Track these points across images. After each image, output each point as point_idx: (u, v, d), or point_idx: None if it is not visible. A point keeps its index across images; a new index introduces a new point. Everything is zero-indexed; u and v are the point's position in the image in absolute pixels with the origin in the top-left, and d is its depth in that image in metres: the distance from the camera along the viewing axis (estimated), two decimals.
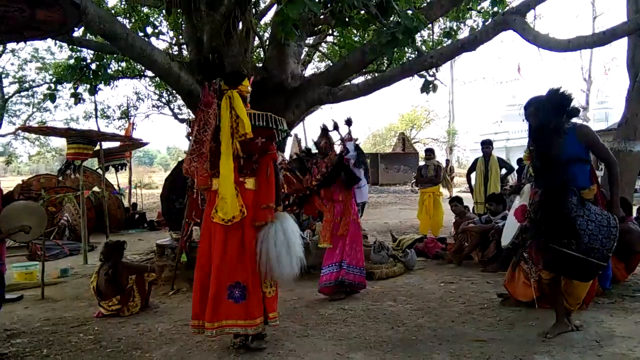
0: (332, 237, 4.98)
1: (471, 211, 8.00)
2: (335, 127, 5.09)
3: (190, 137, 3.36)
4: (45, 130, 11.36)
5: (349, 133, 5.07)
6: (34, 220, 3.10)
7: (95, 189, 8.56)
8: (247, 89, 3.49)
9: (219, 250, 3.30)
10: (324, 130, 5.11)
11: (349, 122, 5.08)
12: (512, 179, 8.99)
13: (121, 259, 4.83)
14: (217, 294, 3.26)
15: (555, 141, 3.29)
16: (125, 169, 12.07)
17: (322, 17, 7.34)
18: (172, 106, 17.80)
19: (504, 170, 8.38)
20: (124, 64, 11.06)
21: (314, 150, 5.50)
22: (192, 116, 4.07)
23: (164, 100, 17.62)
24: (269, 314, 3.45)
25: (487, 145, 8.36)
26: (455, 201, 7.51)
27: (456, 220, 7.49)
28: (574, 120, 3.53)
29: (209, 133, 3.23)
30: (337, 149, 5.11)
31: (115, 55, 9.15)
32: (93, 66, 7.68)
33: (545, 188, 3.29)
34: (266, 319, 3.43)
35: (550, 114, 3.36)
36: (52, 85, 9.33)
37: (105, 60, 8.29)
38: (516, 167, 9.33)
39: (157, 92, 16.67)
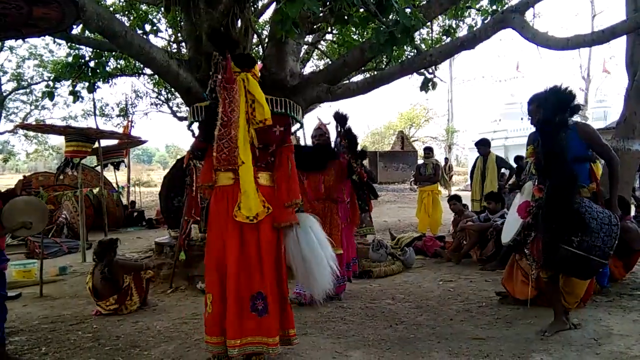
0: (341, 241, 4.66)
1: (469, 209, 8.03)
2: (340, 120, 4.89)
3: (216, 121, 2.91)
4: (43, 128, 11.33)
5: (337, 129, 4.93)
6: (36, 216, 3.09)
7: (96, 190, 8.55)
8: (258, 73, 3.16)
9: (236, 254, 2.90)
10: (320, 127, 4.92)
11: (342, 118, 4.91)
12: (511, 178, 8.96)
13: (114, 257, 4.75)
14: (240, 307, 2.88)
15: (560, 138, 3.30)
16: (122, 166, 12.05)
17: (321, 15, 7.33)
18: (170, 104, 17.76)
19: (503, 170, 8.36)
20: (122, 62, 11.04)
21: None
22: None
23: (162, 98, 17.58)
24: (289, 331, 3.11)
25: (480, 145, 8.37)
26: (454, 199, 7.53)
27: (455, 218, 7.50)
28: (575, 118, 3.54)
29: (237, 112, 2.86)
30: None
31: (114, 53, 9.13)
32: (92, 64, 7.66)
33: (552, 184, 3.29)
34: (287, 336, 3.09)
35: (553, 110, 3.37)
36: (51, 83, 9.30)
37: (103, 58, 8.26)
38: (514, 165, 9.34)
39: (156, 89, 16.63)
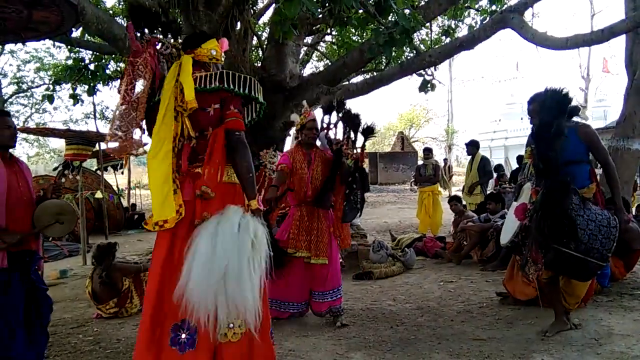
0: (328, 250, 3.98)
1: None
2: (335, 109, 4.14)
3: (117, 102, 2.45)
4: (43, 131, 11.36)
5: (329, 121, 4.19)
6: (66, 217, 3.18)
7: (98, 194, 8.56)
8: (210, 52, 2.55)
9: (158, 269, 2.34)
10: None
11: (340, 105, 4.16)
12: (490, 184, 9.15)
13: (113, 261, 4.72)
14: (157, 337, 2.28)
15: (556, 141, 3.30)
16: (122, 169, 12.06)
17: (320, 16, 7.34)
18: None
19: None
20: (122, 65, 11.03)
21: None
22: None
23: None
24: None
25: (467, 146, 8.79)
26: (455, 200, 7.54)
27: (455, 219, 7.50)
28: (575, 119, 3.53)
29: (144, 91, 2.39)
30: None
31: (113, 56, 9.15)
32: (92, 67, 7.68)
33: (547, 187, 3.29)
34: None
35: (551, 113, 3.36)
36: (51, 86, 9.32)
37: (103, 61, 8.29)
38: (515, 165, 9.46)
39: None
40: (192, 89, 2.30)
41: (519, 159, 9.99)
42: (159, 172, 2.34)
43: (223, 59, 2.67)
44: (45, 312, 3.13)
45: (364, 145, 4.17)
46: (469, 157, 8.79)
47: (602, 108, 27.52)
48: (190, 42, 2.56)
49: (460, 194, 8.95)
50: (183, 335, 2.24)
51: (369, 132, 4.12)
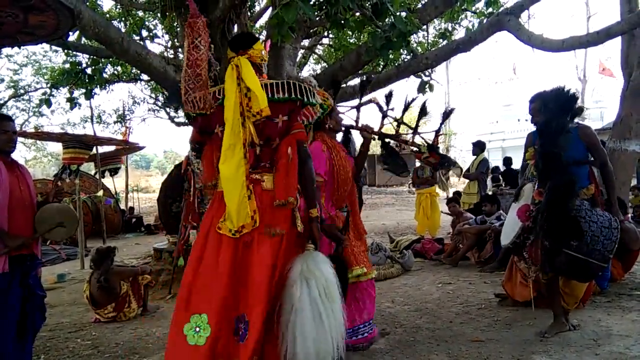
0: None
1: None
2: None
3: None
4: (40, 135, 11.32)
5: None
6: (68, 221, 3.18)
7: (100, 192, 8.55)
8: (261, 54, 2.57)
9: (227, 270, 2.36)
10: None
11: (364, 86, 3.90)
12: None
13: (111, 265, 4.71)
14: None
15: (561, 140, 3.30)
16: (118, 173, 12.07)
17: (317, 19, 7.35)
18: (168, 110, 17.76)
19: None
20: (119, 68, 11.04)
21: None
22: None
23: (160, 103, 17.58)
24: None
25: (473, 146, 9.00)
26: (453, 202, 7.58)
27: (453, 220, 7.52)
28: (576, 120, 3.54)
29: (206, 52, 2.43)
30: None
31: (110, 59, 9.15)
32: (88, 70, 7.67)
33: (552, 188, 3.29)
34: None
35: (555, 113, 3.37)
36: (48, 90, 9.31)
37: (100, 65, 8.28)
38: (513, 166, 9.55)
39: (153, 95, 16.62)
40: (264, 96, 2.34)
41: (506, 160, 10.22)
42: (234, 178, 2.35)
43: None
44: (38, 319, 3.12)
45: (439, 129, 3.83)
46: (474, 157, 9.00)
47: (598, 109, 27.64)
48: (242, 43, 2.56)
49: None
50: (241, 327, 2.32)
51: (422, 113, 3.89)
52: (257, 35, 2.70)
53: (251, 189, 2.39)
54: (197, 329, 2.30)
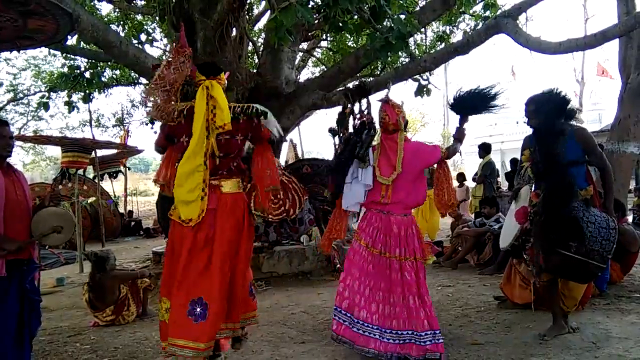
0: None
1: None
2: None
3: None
4: (39, 139, 11.34)
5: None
6: (64, 225, 3.17)
7: (92, 199, 8.54)
8: (224, 83, 3.06)
9: (186, 253, 2.85)
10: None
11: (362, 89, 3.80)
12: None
13: (105, 270, 4.62)
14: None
15: (557, 143, 3.31)
16: (118, 176, 12.06)
17: (315, 22, 7.37)
18: None
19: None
20: (118, 72, 11.04)
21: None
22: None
23: None
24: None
25: (479, 149, 9.08)
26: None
27: (453, 222, 7.54)
28: (572, 122, 3.55)
29: (181, 76, 2.85)
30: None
31: (109, 63, 9.15)
32: (87, 74, 7.68)
33: (550, 190, 3.30)
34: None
35: (550, 115, 3.38)
36: (46, 94, 9.31)
37: (99, 68, 8.29)
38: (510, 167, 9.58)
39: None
40: (228, 113, 2.80)
41: (513, 162, 10.11)
42: (190, 180, 2.81)
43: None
44: (34, 324, 3.12)
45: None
46: (480, 160, 9.08)
47: (596, 111, 27.66)
48: (212, 70, 3.00)
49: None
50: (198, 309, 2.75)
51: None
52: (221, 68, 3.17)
53: (206, 192, 2.83)
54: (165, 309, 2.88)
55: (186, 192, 2.81)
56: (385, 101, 3.48)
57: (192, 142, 2.78)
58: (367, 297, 3.23)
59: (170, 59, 2.92)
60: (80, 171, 8.92)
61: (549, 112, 3.39)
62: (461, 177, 9.98)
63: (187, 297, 2.77)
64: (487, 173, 8.77)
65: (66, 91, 8.09)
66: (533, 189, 3.60)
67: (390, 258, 3.28)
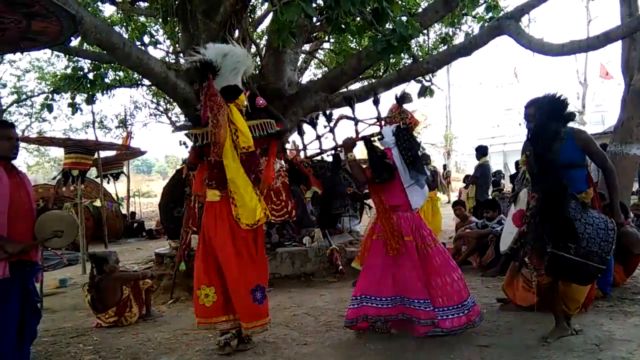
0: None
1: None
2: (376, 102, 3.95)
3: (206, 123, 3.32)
4: (43, 141, 11.36)
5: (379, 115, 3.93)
6: (66, 228, 3.18)
7: (97, 202, 8.56)
8: (244, 102, 3.53)
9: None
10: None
11: (376, 102, 3.96)
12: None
13: (104, 271, 4.67)
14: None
15: (553, 146, 3.31)
16: (120, 178, 12.07)
17: (318, 24, 7.38)
18: (169, 114, 17.82)
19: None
20: (121, 73, 11.09)
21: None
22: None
23: (161, 108, 17.65)
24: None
25: (475, 151, 9.28)
26: (459, 205, 7.64)
27: (457, 224, 7.55)
28: (571, 124, 3.55)
29: (224, 117, 3.26)
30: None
31: (112, 65, 9.18)
32: (90, 76, 7.69)
33: (544, 192, 3.30)
34: None
35: (547, 118, 3.38)
36: (50, 95, 9.33)
37: (102, 70, 8.30)
38: (514, 170, 9.57)
39: (155, 100, 16.69)
40: (249, 135, 3.37)
41: (517, 164, 10.10)
42: (249, 190, 3.45)
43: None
44: (34, 325, 3.13)
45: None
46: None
47: (599, 113, 27.62)
48: (231, 94, 3.41)
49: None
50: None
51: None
52: (240, 88, 3.55)
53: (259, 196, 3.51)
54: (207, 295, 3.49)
55: (249, 201, 3.38)
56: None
57: (229, 161, 3.32)
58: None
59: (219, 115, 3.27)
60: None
61: (547, 115, 3.38)
62: (467, 179, 10.39)
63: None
64: (477, 175, 8.83)
65: (69, 93, 8.10)
66: (530, 191, 3.60)
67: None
